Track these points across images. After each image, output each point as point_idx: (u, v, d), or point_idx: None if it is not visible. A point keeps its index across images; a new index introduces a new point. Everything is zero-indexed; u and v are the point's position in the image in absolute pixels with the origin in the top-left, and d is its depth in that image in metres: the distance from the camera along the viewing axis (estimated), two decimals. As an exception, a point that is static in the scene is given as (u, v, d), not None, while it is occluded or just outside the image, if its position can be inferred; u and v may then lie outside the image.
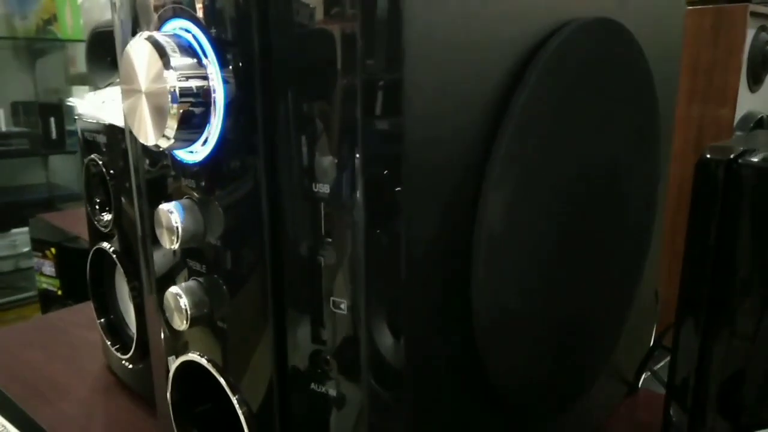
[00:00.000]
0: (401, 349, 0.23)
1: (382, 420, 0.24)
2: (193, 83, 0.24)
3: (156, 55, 0.23)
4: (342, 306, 0.23)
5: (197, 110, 0.24)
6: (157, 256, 0.31)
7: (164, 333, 0.31)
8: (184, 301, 0.27)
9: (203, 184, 0.26)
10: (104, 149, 0.44)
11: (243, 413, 0.27)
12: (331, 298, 0.23)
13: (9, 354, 0.56)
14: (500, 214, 0.25)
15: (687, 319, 0.27)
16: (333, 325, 0.23)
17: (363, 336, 0.23)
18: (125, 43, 0.25)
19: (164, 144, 0.24)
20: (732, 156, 0.23)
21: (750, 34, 0.91)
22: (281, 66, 0.23)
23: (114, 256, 0.44)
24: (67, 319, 0.65)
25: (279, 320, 0.25)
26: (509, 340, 0.28)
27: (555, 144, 0.28)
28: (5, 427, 0.43)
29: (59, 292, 1.14)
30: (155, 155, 0.29)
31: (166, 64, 0.23)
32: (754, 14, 0.90)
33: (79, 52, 1.76)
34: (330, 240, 0.23)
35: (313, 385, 0.25)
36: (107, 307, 0.50)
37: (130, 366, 0.47)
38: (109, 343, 0.49)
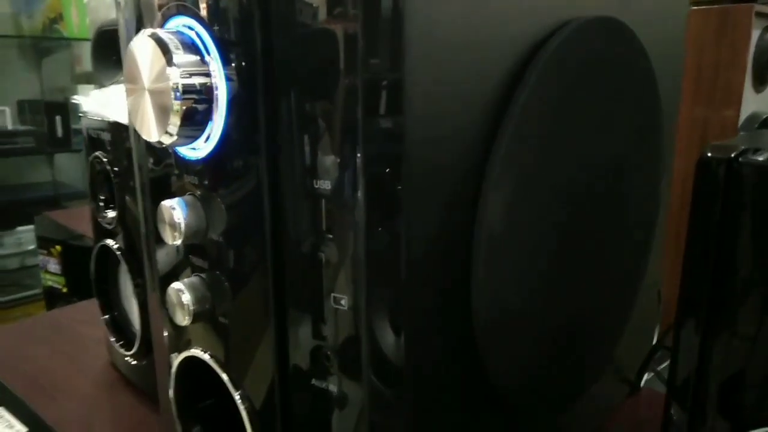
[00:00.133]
0: (401, 347, 0.23)
1: (383, 416, 0.24)
2: (196, 80, 0.24)
3: (159, 52, 0.24)
4: (342, 302, 0.23)
5: (200, 107, 0.24)
6: (160, 253, 0.31)
7: (167, 329, 0.32)
8: (186, 297, 0.27)
9: (205, 180, 0.26)
10: (109, 146, 0.44)
11: (245, 409, 0.27)
12: (332, 295, 0.23)
13: (14, 350, 0.57)
14: (500, 213, 0.25)
15: (687, 319, 0.27)
16: (333, 321, 0.24)
17: (363, 333, 0.23)
18: (130, 42, 0.25)
19: (167, 140, 0.24)
20: (733, 155, 0.23)
21: (755, 34, 0.90)
22: (283, 64, 0.23)
23: (118, 253, 0.45)
24: (72, 316, 0.66)
25: (280, 316, 0.25)
26: (509, 339, 0.28)
27: (555, 143, 0.28)
28: (10, 422, 0.43)
29: (64, 290, 1.15)
30: (158, 152, 0.29)
31: (169, 61, 0.23)
32: (759, 14, 0.90)
33: (85, 50, 1.77)
34: (331, 236, 0.23)
35: (314, 381, 0.25)
36: (111, 304, 0.50)
37: (134, 362, 0.47)
38: (113, 339, 0.49)
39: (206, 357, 0.28)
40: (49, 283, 1.17)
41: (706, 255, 0.25)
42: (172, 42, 0.24)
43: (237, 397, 0.27)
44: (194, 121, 0.24)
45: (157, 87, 0.24)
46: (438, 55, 0.22)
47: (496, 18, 0.24)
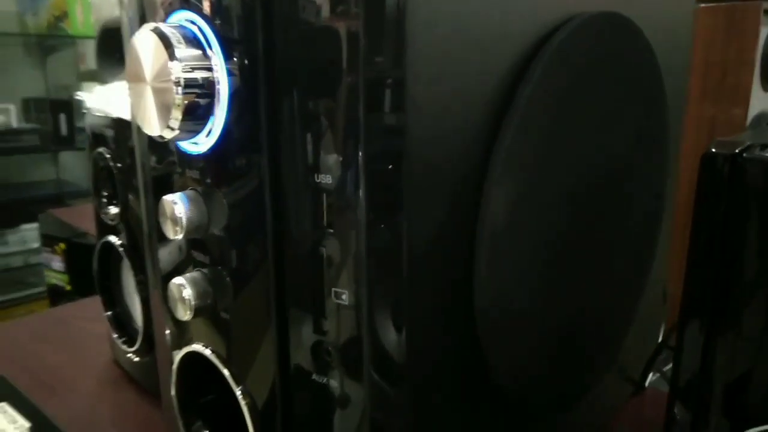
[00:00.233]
0: (402, 343, 0.23)
1: (383, 413, 0.24)
2: (198, 74, 0.24)
3: (161, 47, 0.23)
4: (343, 297, 0.23)
5: (202, 101, 0.24)
6: (162, 249, 0.31)
7: (168, 324, 0.31)
8: (187, 292, 0.27)
9: (207, 175, 0.26)
10: (112, 143, 0.44)
11: (246, 404, 0.27)
12: (333, 289, 0.23)
13: (18, 346, 0.57)
14: (503, 210, 0.25)
15: (691, 317, 0.26)
16: (334, 316, 0.23)
17: (364, 328, 0.23)
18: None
19: (169, 135, 0.24)
20: (737, 150, 0.23)
21: (763, 32, 0.90)
22: (285, 58, 0.23)
23: (120, 249, 0.45)
24: (75, 313, 0.66)
25: (281, 311, 0.25)
26: (512, 337, 0.28)
27: (559, 139, 0.27)
28: (13, 417, 0.44)
29: (68, 287, 1.15)
30: (160, 147, 0.29)
31: (172, 56, 0.23)
32: (767, 12, 0.89)
33: (90, 48, 1.77)
34: (332, 231, 0.23)
35: (314, 377, 0.25)
36: (114, 301, 0.50)
37: (136, 359, 0.48)
38: (115, 336, 0.49)
39: (207, 352, 0.28)
40: (53, 280, 1.18)
41: (710, 252, 0.25)
42: (175, 36, 0.24)
43: (238, 392, 0.27)
44: (196, 116, 0.24)
45: (160, 81, 0.24)
46: (440, 52, 0.21)
47: (499, 14, 0.24)
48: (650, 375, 0.48)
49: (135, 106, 0.25)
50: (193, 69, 0.24)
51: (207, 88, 0.24)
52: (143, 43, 0.24)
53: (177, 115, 0.24)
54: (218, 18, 0.24)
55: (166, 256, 0.31)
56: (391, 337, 0.23)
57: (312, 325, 0.24)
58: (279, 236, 0.25)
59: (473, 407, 0.28)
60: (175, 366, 0.31)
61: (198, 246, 0.28)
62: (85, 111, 0.47)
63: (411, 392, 0.24)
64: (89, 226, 0.60)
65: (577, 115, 0.28)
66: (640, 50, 0.32)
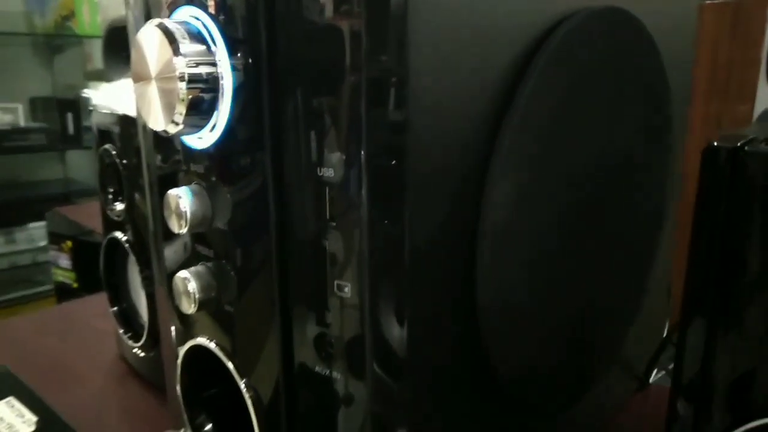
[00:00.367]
0: (404, 338, 0.23)
1: (385, 406, 0.24)
2: (202, 69, 0.24)
3: (166, 42, 0.24)
4: (346, 290, 0.23)
5: (206, 96, 0.24)
6: (167, 245, 0.31)
7: (173, 318, 0.32)
8: (192, 285, 0.27)
9: (211, 169, 0.27)
10: (118, 140, 0.44)
11: (250, 396, 0.27)
12: (336, 282, 0.23)
13: (25, 342, 0.57)
14: (505, 206, 0.25)
15: (692, 313, 0.26)
16: (337, 309, 0.24)
17: (366, 321, 0.23)
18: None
19: (173, 129, 0.25)
20: (739, 143, 0.23)
21: (768, 29, 0.89)
22: (288, 55, 0.23)
23: (126, 245, 0.45)
24: (82, 309, 0.67)
25: (285, 304, 0.25)
26: (514, 333, 0.28)
27: (561, 135, 0.27)
28: (20, 411, 0.44)
29: (75, 285, 1.16)
30: (165, 142, 0.29)
31: (176, 51, 0.24)
32: (772, 9, 0.88)
33: (97, 48, 1.78)
34: (334, 224, 0.23)
35: (317, 369, 0.25)
36: (120, 296, 0.50)
37: (142, 354, 0.48)
38: (121, 331, 0.50)
39: (212, 345, 0.29)
40: (60, 278, 1.18)
41: (712, 247, 0.25)
42: (179, 32, 0.24)
43: (242, 385, 0.27)
44: (200, 110, 0.24)
45: (164, 76, 0.24)
46: (442, 49, 0.22)
47: (501, 10, 0.24)
48: (655, 372, 0.48)
49: (140, 101, 0.25)
50: (198, 64, 0.24)
51: (211, 83, 0.24)
52: (148, 39, 0.24)
53: (181, 109, 0.24)
54: (222, 14, 0.24)
55: (171, 251, 0.31)
56: (393, 331, 0.23)
57: (315, 317, 0.24)
58: (282, 230, 0.25)
59: (476, 402, 0.28)
60: (179, 360, 0.31)
61: (202, 240, 0.28)
62: (91, 108, 0.47)
63: (413, 386, 0.24)
64: (96, 224, 0.61)
65: (580, 110, 0.28)
66: (644, 45, 0.32)
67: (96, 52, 1.83)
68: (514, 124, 0.24)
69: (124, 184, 0.44)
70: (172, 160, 0.29)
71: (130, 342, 0.48)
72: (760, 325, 0.24)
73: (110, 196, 0.46)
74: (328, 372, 0.25)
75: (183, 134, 0.26)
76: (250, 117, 0.24)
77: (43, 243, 1.74)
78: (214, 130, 0.25)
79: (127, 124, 0.43)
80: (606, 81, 0.30)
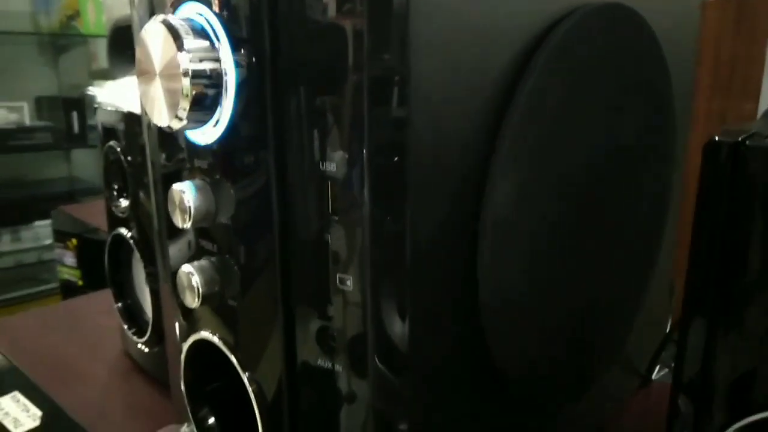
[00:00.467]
0: (406, 332, 0.23)
1: (387, 400, 0.24)
2: (206, 65, 0.24)
3: (170, 38, 0.24)
4: (348, 283, 0.23)
5: (209, 92, 0.24)
6: (172, 241, 0.31)
7: (177, 313, 0.32)
8: (195, 279, 0.27)
9: (214, 164, 0.27)
10: (122, 137, 0.45)
11: (253, 390, 0.27)
12: (338, 275, 0.24)
13: (31, 338, 0.58)
14: (506, 201, 0.25)
15: (693, 309, 0.26)
16: (339, 302, 0.24)
17: (368, 315, 0.23)
18: (142, 30, 0.26)
19: (177, 125, 0.25)
20: (741, 138, 0.23)
21: (773, 26, 0.89)
22: (290, 52, 0.23)
23: (131, 241, 0.45)
24: (87, 305, 0.67)
25: (287, 297, 0.26)
26: (516, 328, 0.28)
27: (563, 131, 0.27)
28: (26, 406, 0.44)
29: (80, 283, 1.16)
30: (169, 138, 0.29)
31: (180, 47, 0.24)
32: (777, 6, 0.88)
33: (102, 47, 1.78)
34: (337, 218, 0.23)
35: (320, 362, 0.25)
36: (124, 293, 0.51)
37: (146, 350, 0.48)
38: (125, 327, 0.50)
39: (215, 339, 0.29)
40: (66, 276, 1.19)
41: (713, 242, 0.25)
42: (183, 28, 0.24)
43: (245, 378, 0.28)
44: (204, 106, 0.25)
45: (168, 72, 0.24)
46: (443, 47, 0.22)
47: (502, 7, 0.24)
48: (658, 369, 0.48)
49: (144, 97, 0.26)
50: (201, 60, 0.24)
51: (214, 79, 0.24)
52: (152, 35, 0.24)
53: (185, 105, 0.24)
54: (225, 10, 0.24)
55: (175, 247, 0.31)
56: (394, 325, 0.23)
57: (317, 311, 0.25)
58: (285, 224, 0.25)
59: (477, 400, 0.28)
60: (183, 354, 0.31)
61: (206, 235, 0.28)
62: (96, 106, 0.47)
63: (414, 381, 0.24)
64: (101, 222, 0.61)
65: (582, 106, 0.28)
66: (645, 41, 0.32)
67: (101, 51, 1.84)
68: (514, 123, 0.24)
69: (128, 181, 0.44)
70: (176, 157, 0.29)
71: (135, 338, 0.49)
72: (760, 324, 0.24)
73: (115, 193, 0.47)
74: (330, 366, 0.25)
75: (187, 129, 0.26)
76: (253, 113, 0.25)
77: (48, 241, 1.75)
78: (218, 125, 0.25)
79: (132, 121, 0.43)
80: (607, 78, 0.30)
